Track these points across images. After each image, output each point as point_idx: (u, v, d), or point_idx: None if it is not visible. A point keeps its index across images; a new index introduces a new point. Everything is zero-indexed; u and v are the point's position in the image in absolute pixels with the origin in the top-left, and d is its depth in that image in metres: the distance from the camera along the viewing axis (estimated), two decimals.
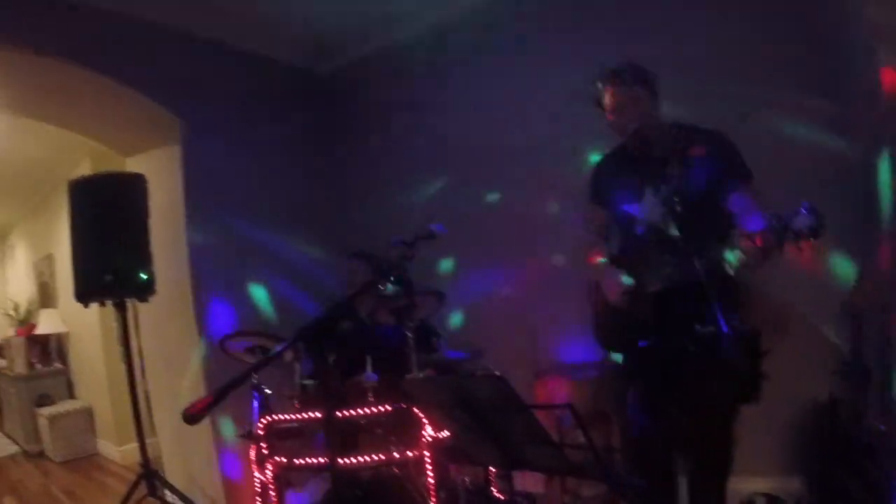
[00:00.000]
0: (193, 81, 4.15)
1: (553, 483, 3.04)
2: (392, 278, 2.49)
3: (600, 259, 2.67)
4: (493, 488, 3.19)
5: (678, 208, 2.35)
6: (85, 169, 6.13)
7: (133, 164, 4.63)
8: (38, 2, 3.48)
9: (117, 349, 6.08)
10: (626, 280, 2.42)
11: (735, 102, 3.05)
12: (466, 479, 3.10)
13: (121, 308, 3.53)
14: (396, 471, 3.14)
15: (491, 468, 3.20)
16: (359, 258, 3.67)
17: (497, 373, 1.98)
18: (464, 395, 1.96)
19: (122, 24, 3.84)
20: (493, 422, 1.95)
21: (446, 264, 4.18)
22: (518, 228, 3.81)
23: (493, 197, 4.03)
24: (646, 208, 2.49)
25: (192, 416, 1.65)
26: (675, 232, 2.35)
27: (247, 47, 4.49)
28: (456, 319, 4.08)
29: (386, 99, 4.67)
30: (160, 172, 4.06)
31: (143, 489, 3.63)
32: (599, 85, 2.50)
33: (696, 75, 3.15)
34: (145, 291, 3.51)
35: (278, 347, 1.96)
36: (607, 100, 2.47)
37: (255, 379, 3.27)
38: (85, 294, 3.50)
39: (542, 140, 3.71)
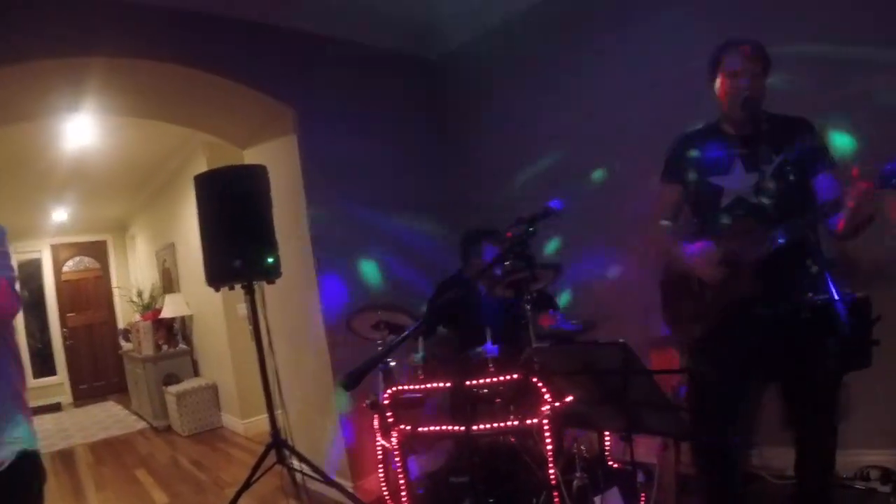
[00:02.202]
0: (305, 73, 4.29)
1: (668, 452, 3.09)
2: (516, 255, 2.56)
3: (664, 234, 2.69)
4: (607, 456, 3.30)
5: (770, 185, 2.39)
6: (200, 161, 6.49)
7: (251, 155, 4.87)
8: (151, 12, 3.69)
9: (240, 329, 6.47)
10: (714, 253, 2.43)
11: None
12: (583, 447, 3.12)
13: (249, 291, 3.75)
14: (512, 440, 3.25)
15: (606, 437, 3.32)
16: (485, 236, 3.77)
17: (621, 340, 2.06)
18: (588, 362, 2.08)
19: (233, 24, 4.03)
20: (615, 387, 2.05)
21: (553, 244, 4.22)
22: (628, 206, 3.74)
23: (602, 175, 4.02)
24: (736, 181, 2.50)
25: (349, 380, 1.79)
26: (766, 203, 2.41)
27: (356, 37, 4.57)
28: (564, 298, 4.11)
29: (496, 78, 4.68)
30: (279, 161, 4.25)
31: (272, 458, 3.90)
32: (719, 56, 2.51)
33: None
34: (272, 274, 3.71)
35: (411, 327, 2.07)
36: (724, 71, 2.49)
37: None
38: (216, 279, 3.71)
39: (653, 117, 3.66)
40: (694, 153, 2.64)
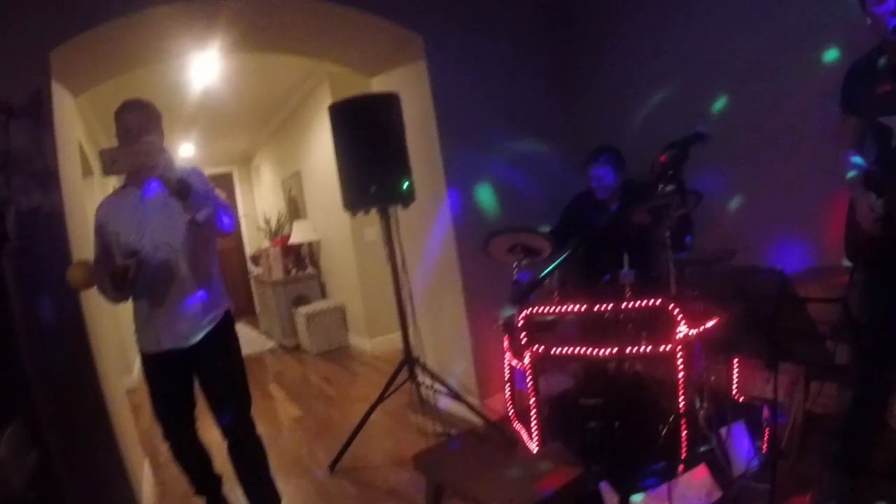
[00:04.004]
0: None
1: (797, 389, 3.03)
2: (669, 179, 2.52)
3: (851, 173, 2.42)
4: (735, 390, 3.26)
5: None
6: (325, 92, 6.62)
7: (379, 83, 4.93)
8: None
9: (368, 253, 6.71)
10: (878, 204, 2.25)
11: None
12: (713, 377, 3.11)
13: (385, 214, 3.91)
14: (638, 367, 3.28)
15: (735, 369, 3.28)
16: (602, 153, 3.77)
17: (779, 267, 2.03)
18: (743, 287, 2.07)
19: None
20: (766, 314, 2.03)
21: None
22: (756, 135, 3.59)
23: (724, 103, 3.79)
24: None
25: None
26: None
27: None
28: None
29: (618, 4, 4.47)
30: (408, 89, 4.30)
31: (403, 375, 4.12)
32: None
33: None
34: (407, 198, 3.84)
35: (560, 256, 2.11)
36: None
37: (515, 275, 3.55)
38: (353, 204, 3.88)
39: (781, 43, 3.40)
40: (860, 87, 2.40)
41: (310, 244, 8.57)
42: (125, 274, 2.60)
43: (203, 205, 2.59)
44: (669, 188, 2.58)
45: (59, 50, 3.23)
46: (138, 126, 2.74)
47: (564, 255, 2.16)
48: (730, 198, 3.82)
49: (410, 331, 4.11)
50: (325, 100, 6.49)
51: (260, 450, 3.06)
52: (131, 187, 2.85)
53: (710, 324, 2.60)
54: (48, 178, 3.14)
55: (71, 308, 3.16)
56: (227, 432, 2.95)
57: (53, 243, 3.14)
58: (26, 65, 3.12)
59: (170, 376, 2.87)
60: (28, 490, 2.47)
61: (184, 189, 2.51)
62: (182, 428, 2.98)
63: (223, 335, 2.93)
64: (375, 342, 7.02)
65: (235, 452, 2.99)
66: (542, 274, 1.96)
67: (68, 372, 3.09)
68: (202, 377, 2.91)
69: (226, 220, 2.72)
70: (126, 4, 3.38)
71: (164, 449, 4.64)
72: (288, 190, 9.20)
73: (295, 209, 8.98)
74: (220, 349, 2.91)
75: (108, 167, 2.43)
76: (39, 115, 3.11)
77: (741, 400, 3.25)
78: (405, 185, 3.78)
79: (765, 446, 2.95)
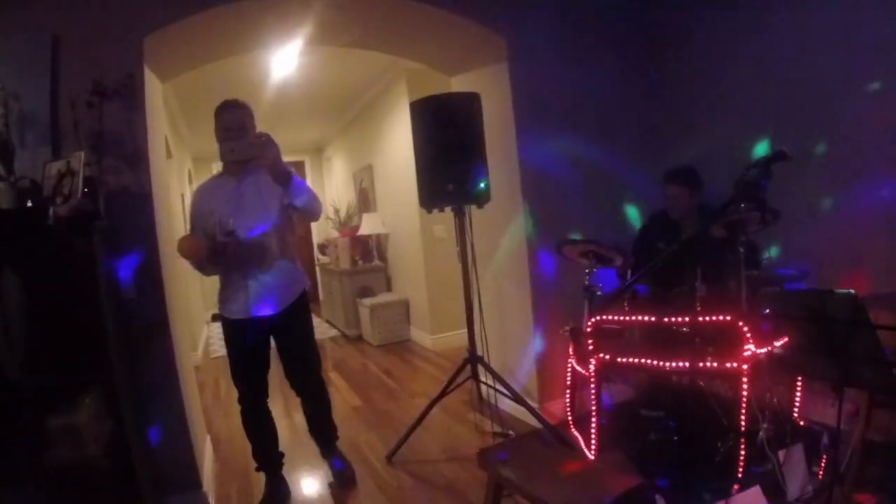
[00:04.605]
0: (516, 0, 4.26)
1: (858, 416, 2.94)
2: (749, 199, 2.48)
3: None
4: (796, 413, 3.20)
5: None
6: (401, 88, 6.70)
7: (459, 83, 4.97)
8: None
9: (435, 249, 6.76)
10: None
11: None
12: (776, 399, 3.07)
13: (460, 213, 3.94)
14: (701, 382, 3.22)
15: (798, 392, 3.21)
16: (673, 177, 3.73)
17: (852, 291, 1.99)
18: (815, 309, 2.04)
19: None
20: (837, 337, 2.00)
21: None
22: (840, 147, 3.44)
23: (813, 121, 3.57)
24: None
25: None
26: None
27: None
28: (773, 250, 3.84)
29: (711, 5, 4.27)
30: (488, 89, 4.31)
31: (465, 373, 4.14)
32: None
33: None
34: (483, 199, 3.86)
35: (632, 277, 2.10)
36: None
37: (586, 281, 3.54)
38: (429, 201, 3.91)
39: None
40: None
41: (378, 237, 8.68)
42: (223, 249, 3.07)
43: (301, 191, 3.10)
44: (749, 206, 2.54)
45: (152, 36, 3.36)
46: (237, 124, 3.18)
47: (636, 278, 2.14)
48: (810, 216, 3.69)
49: (477, 329, 4.13)
50: (402, 96, 6.58)
51: (327, 400, 3.73)
52: (228, 176, 3.32)
53: (778, 343, 2.55)
54: (137, 159, 3.27)
55: (152, 284, 3.31)
56: (301, 388, 3.58)
57: (140, 220, 3.29)
58: (121, 49, 3.26)
59: (252, 341, 3.30)
60: (104, 457, 2.58)
61: (286, 176, 3.02)
62: (257, 391, 3.42)
63: (302, 308, 3.45)
64: (437, 338, 7.06)
65: (308, 403, 3.65)
66: (624, 287, 1.94)
67: (145, 345, 3.25)
68: (281, 342, 3.44)
69: (317, 206, 3.22)
70: None
71: (225, 426, 4.86)
72: (359, 182, 9.32)
73: (365, 201, 9.09)
74: (298, 319, 3.44)
75: (227, 155, 3.00)
76: (132, 98, 3.24)
77: (801, 423, 3.19)
78: (482, 185, 3.80)
79: (821, 472, 2.90)
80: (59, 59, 3.18)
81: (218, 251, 3.09)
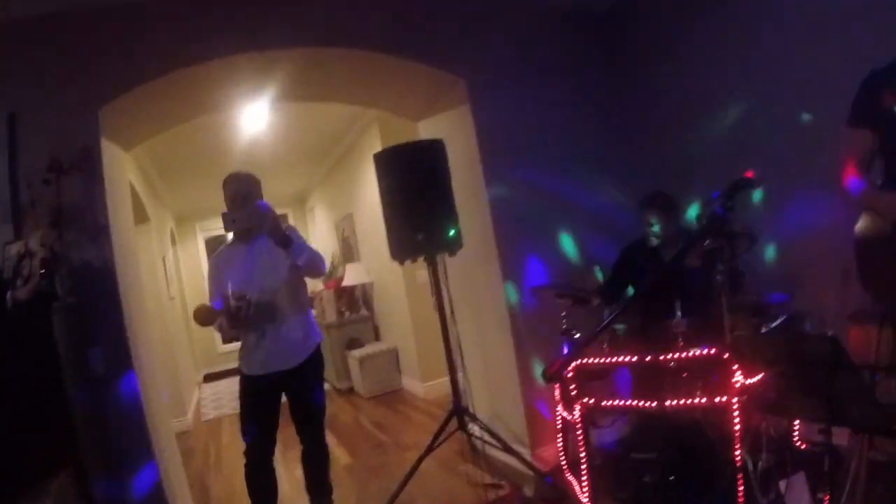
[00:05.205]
0: (472, 41, 4.26)
1: (859, 437, 2.88)
2: (716, 233, 2.43)
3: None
4: (795, 439, 3.11)
5: None
6: (374, 135, 6.71)
7: (425, 127, 4.96)
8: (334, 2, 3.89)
9: (420, 296, 6.64)
10: None
11: None
12: (771, 428, 2.97)
13: (432, 262, 3.86)
14: (697, 416, 3.13)
15: (796, 420, 3.13)
16: (649, 204, 3.69)
17: (830, 332, 1.94)
18: (792, 351, 1.98)
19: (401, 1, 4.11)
20: (817, 378, 1.94)
21: (757, 194, 3.75)
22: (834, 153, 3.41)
23: (806, 118, 3.53)
24: None
25: (551, 376, 1.82)
26: None
27: None
28: (770, 253, 3.74)
29: (673, 27, 4.31)
30: (453, 132, 4.30)
31: (453, 424, 3.99)
32: None
33: None
34: (454, 246, 3.80)
35: (608, 317, 2.07)
36: None
37: (564, 324, 3.48)
38: (400, 253, 3.84)
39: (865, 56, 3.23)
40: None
41: (363, 286, 8.61)
42: (237, 313, 3.20)
43: (302, 251, 3.30)
44: (715, 240, 2.50)
45: (109, 107, 3.35)
46: (242, 193, 3.39)
47: (613, 316, 2.08)
48: (810, 227, 3.61)
49: (460, 379, 4.04)
50: (375, 142, 6.58)
51: (327, 457, 3.74)
52: (239, 244, 3.51)
53: (759, 378, 2.49)
54: (98, 232, 3.24)
55: (121, 360, 3.25)
56: (306, 441, 3.61)
57: (104, 297, 3.24)
58: (76, 123, 3.28)
59: (265, 396, 3.42)
60: None
61: (286, 240, 3.24)
62: (264, 444, 3.45)
63: (316, 362, 3.57)
64: (428, 386, 6.94)
65: (309, 457, 3.65)
66: (574, 351, 1.88)
67: (119, 422, 3.18)
68: (294, 396, 3.53)
69: (318, 262, 3.42)
70: (174, 61, 3.50)
71: (222, 487, 4.74)
72: (341, 231, 9.29)
73: (348, 251, 9.05)
74: (312, 374, 3.55)
75: (229, 225, 3.25)
76: (90, 171, 3.21)
77: (803, 447, 3.09)
78: (452, 232, 3.74)
79: (826, 498, 2.80)
80: (17, 137, 3.16)
81: (233, 316, 3.22)
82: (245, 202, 3.32)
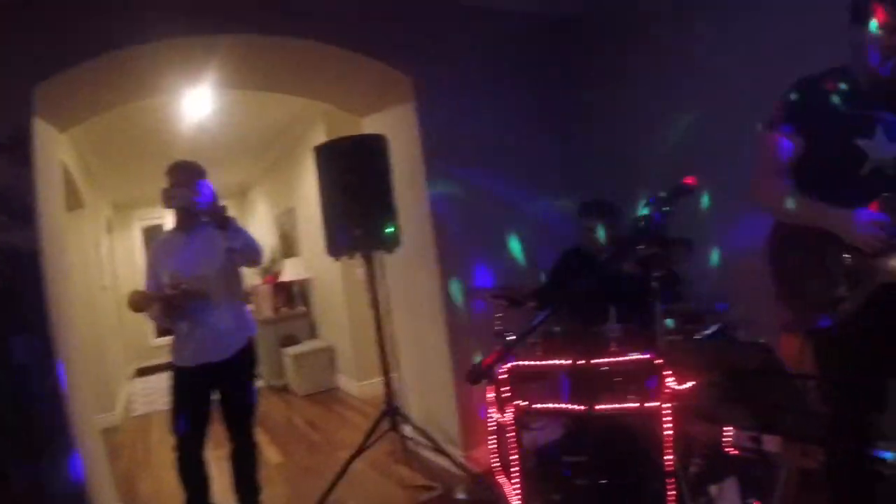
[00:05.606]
0: (422, 39, 4.22)
1: (793, 444, 2.94)
2: (651, 238, 2.45)
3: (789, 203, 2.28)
4: (726, 444, 3.17)
5: None
6: (319, 130, 6.60)
7: (369, 124, 4.87)
8: None
9: (358, 293, 6.48)
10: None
11: None
12: (702, 434, 3.07)
13: (369, 259, 3.84)
14: (629, 421, 3.15)
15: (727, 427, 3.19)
16: (588, 210, 3.73)
17: (762, 340, 1.97)
18: (723, 359, 2.01)
19: None
20: (749, 386, 1.98)
21: (705, 200, 3.74)
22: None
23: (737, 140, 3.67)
24: (880, 149, 2.18)
25: (478, 376, 1.80)
26: None
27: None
28: (713, 260, 3.80)
29: (623, 39, 4.40)
30: (397, 130, 4.25)
31: (385, 424, 3.96)
32: (871, 3, 2.14)
33: None
34: (391, 244, 3.77)
35: (539, 317, 2.06)
36: (879, 22, 2.13)
37: (498, 326, 3.48)
38: (336, 248, 3.81)
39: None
40: (834, 104, 2.28)
41: (301, 282, 8.48)
42: (171, 300, 3.27)
43: (238, 235, 3.36)
44: (649, 247, 2.52)
45: (44, 85, 3.20)
46: (184, 180, 3.37)
47: (541, 319, 2.08)
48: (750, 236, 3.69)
49: (394, 379, 4.02)
50: (320, 137, 6.44)
51: (256, 456, 3.68)
52: (179, 232, 3.51)
53: (691, 384, 2.53)
54: (26, 215, 3.10)
55: (46, 349, 3.11)
56: (236, 440, 3.57)
57: (31, 283, 3.10)
58: (9, 101, 3.09)
59: (197, 388, 3.39)
60: None
61: (224, 221, 3.29)
62: (195, 440, 3.41)
63: (248, 356, 3.56)
64: (364, 385, 6.87)
65: (237, 456, 3.60)
66: (502, 354, 1.87)
67: (41, 413, 3.05)
68: (224, 388, 3.49)
69: (254, 247, 3.45)
70: (114, 41, 3.36)
71: (151, 486, 4.61)
72: (281, 226, 9.15)
73: (288, 246, 8.91)
74: (243, 368, 3.53)
75: (169, 202, 3.34)
76: (20, 151, 3.08)
77: (735, 453, 3.14)
78: (390, 229, 3.71)
79: (756, 503, 2.86)
80: None
81: (167, 302, 3.28)
82: (188, 183, 3.33)
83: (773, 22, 3.44)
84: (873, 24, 2.15)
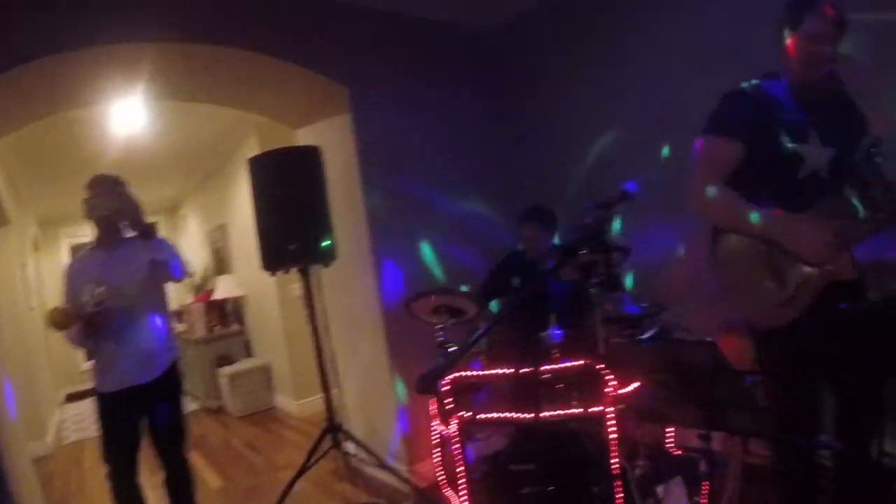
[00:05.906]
0: (357, 50, 4.18)
1: (734, 441, 2.98)
2: (593, 243, 2.43)
3: (754, 215, 2.26)
4: (670, 444, 3.20)
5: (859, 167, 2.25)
6: (252, 143, 6.47)
7: (304, 135, 4.79)
8: None
9: (294, 309, 6.46)
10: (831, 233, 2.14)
11: None
12: (646, 435, 3.07)
13: (305, 274, 3.73)
14: (573, 427, 3.15)
15: (669, 427, 3.20)
16: (528, 217, 3.72)
17: (709, 338, 1.97)
18: (669, 359, 2.00)
19: (283, 1, 3.97)
20: (697, 385, 1.97)
21: (616, 224, 3.92)
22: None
23: (667, 151, 3.75)
24: (813, 153, 2.25)
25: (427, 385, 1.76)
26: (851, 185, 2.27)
27: (406, 10, 4.44)
28: (628, 279, 3.90)
29: (554, 52, 4.47)
30: (332, 141, 4.19)
31: (327, 442, 3.87)
32: (799, 14, 2.22)
33: None
34: (328, 257, 3.67)
35: (483, 327, 2.02)
36: (805, 32, 2.20)
37: (439, 337, 3.42)
38: (271, 263, 3.69)
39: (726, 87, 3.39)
40: (770, 110, 2.31)
41: (235, 300, 8.28)
42: (92, 318, 3.11)
43: (162, 247, 3.35)
44: (591, 252, 2.52)
45: None
46: (104, 190, 3.29)
47: (484, 330, 2.03)
48: (669, 248, 3.79)
49: (334, 396, 3.92)
50: (253, 151, 6.30)
51: (191, 481, 3.56)
52: (98, 249, 3.40)
53: (633, 387, 2.53)
54: None
55: None
56: (169, 466, 3.45)
57: None
58: None
59: (124, 414, 3.26)
60: None
61: (147, 231, 3.27)
62: (127, 467, 3.29)
63: (173, 380, 3.44)
64: (302, 403, 6.75)
65: (172, 482, 3.48)
66: (449, 361, 1.83)
67: None
68: (152, 418, 3.36)
69: (179, 263, 3.39)
70: (36, 50, 3.20)
71: None
72: (214, 242, 8.93)
73: (221, 262, 8.70)
74: (170, 391, 3.42)
75: (89, 212, 3.25)
76: None
77: (678, 453, 3.18)
78: (325, 243, 3.62)
79: (703, 501, 2.86)
80: None
81: (88, 321, 3.13)
82: (108, 193, 3.27)
83: (705, 31, 3.54)
84: (802, 31, 2.22)
